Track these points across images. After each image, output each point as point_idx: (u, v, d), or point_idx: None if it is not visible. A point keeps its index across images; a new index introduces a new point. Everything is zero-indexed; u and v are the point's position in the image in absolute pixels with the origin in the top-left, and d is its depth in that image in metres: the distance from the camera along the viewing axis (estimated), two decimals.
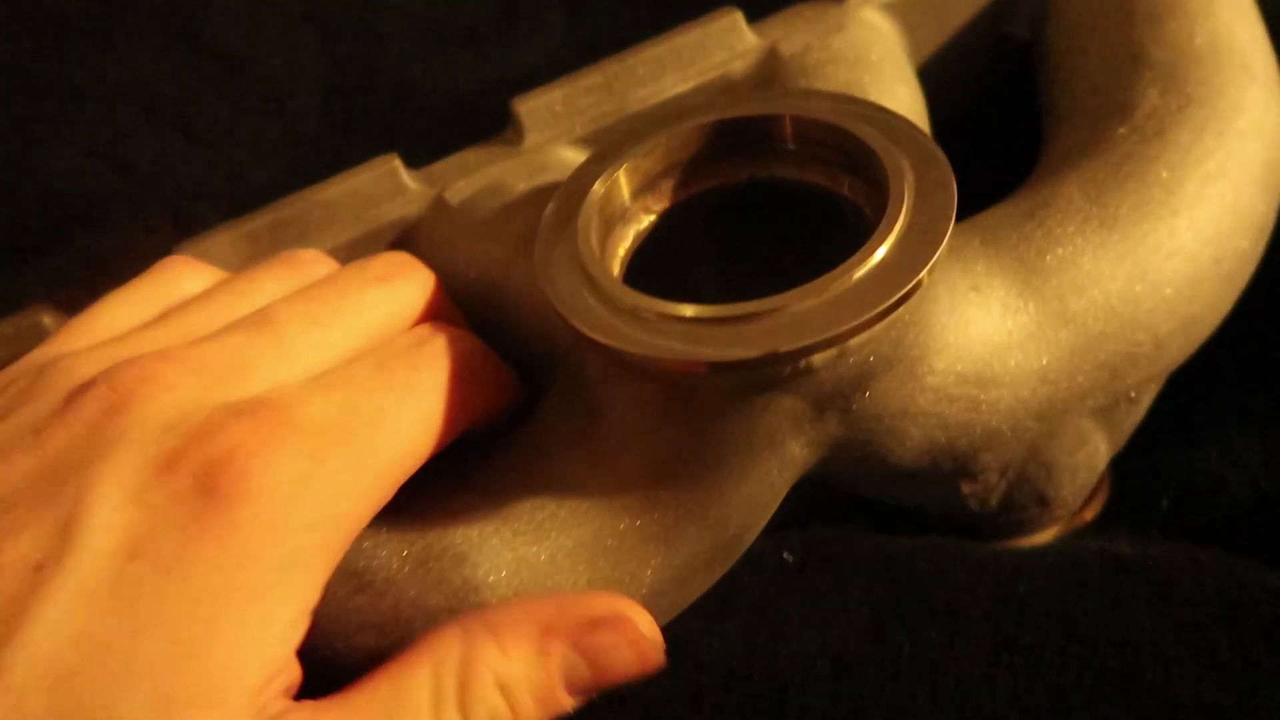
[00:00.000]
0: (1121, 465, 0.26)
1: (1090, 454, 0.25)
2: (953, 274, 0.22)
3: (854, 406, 0.21)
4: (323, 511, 0.18)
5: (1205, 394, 0.25)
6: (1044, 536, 0.26)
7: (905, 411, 0.22)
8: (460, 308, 0.26)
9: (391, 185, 0.27)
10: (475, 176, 0.26)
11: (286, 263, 0.23)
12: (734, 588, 0.23)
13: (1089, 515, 0.26)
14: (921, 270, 0.19)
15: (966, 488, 0.24)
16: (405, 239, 0.27)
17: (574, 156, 0.27)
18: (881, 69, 0.27)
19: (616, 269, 0.23)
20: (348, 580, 0.21)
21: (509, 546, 0.21)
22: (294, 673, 0.18)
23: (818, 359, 0.19)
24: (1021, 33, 0.30)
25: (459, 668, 0.18)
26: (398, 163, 0.27)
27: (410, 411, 0.20)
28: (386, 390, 0.20)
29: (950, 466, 0.23)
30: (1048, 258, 0.23)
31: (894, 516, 0.26)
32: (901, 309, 0.19)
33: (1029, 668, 0.21)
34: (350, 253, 0.26)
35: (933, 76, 0.29)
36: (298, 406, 0.18)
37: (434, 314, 0.23)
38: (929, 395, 0.22)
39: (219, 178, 0.31)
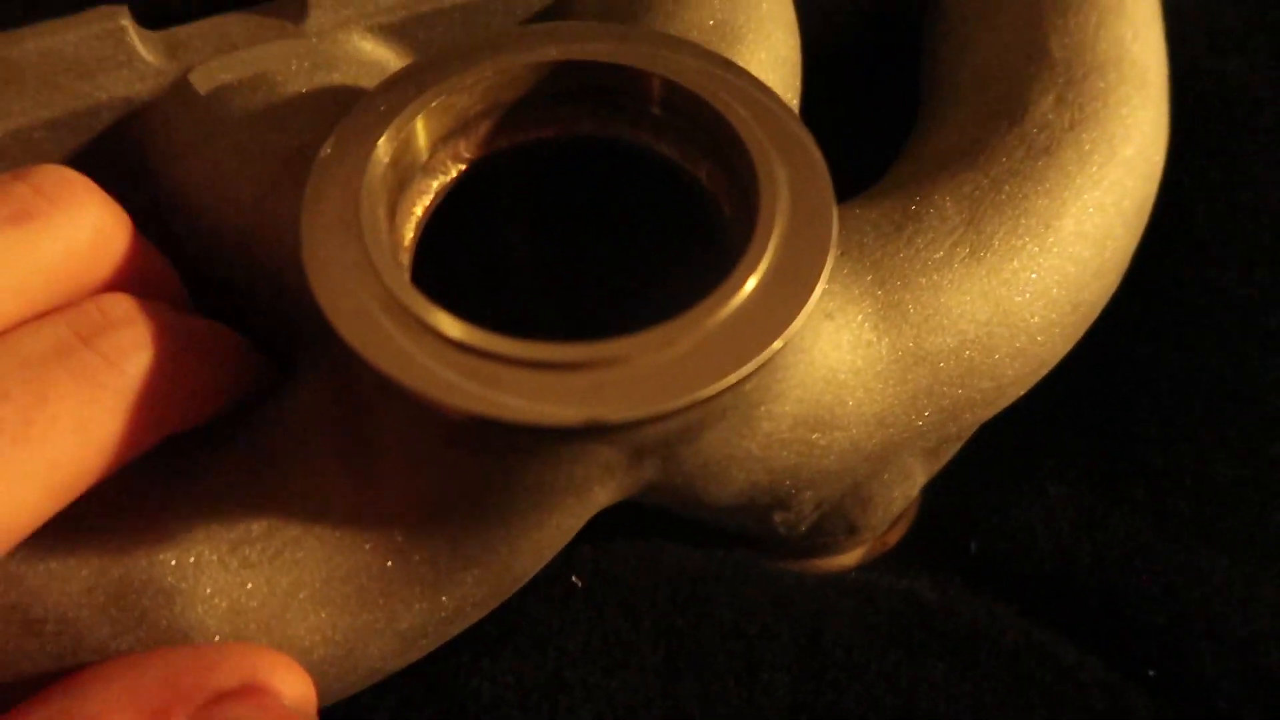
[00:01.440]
0: (931, 494, 0.25)
1: (908, 488, 0.23)
2: None
3: (678, 455, 0.18)
4: None
5: (1024, 434, 0.24)
6: (847, 559, 0.24)
7: (732, 457, 0.19)
8: (201, 237, 0.20)
9: (114, 49, 0.20)
10: (236, 58, 0.20)
11: None
12: (510, 614, 0.20)
13: (892, 540, 0.25)
14: (794, 319, 0.15)
15: (779, 517, 0.22)
16: (132, 128, 0.20)
17: (372, 51, 0.21)
18: None
19: (409, 235, 0.18)
20: (9, 616, 0.16)
21: (234, 579, 0.17)
22: None
23: None
24: None
25: None
26: (126, 20, 0.20)
27: (13, 469, 0.13)
28: None
29: (767, 502, 0.21)
30: (911, 288, 0.20)
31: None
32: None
33: None
34: (46, 142, 0.19)
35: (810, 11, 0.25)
36: None
37: (114, 277, 0.16)
38: (760, 441, 0.19)
39: None
